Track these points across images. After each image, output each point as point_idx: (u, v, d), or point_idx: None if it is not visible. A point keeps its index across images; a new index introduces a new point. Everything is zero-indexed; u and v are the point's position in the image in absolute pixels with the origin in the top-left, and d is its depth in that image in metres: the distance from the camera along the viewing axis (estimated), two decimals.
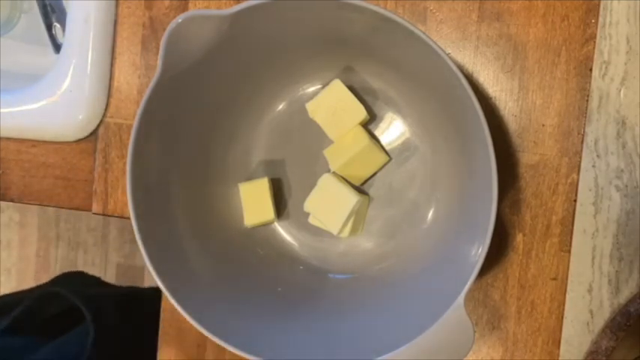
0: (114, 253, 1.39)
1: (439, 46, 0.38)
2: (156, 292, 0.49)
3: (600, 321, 0.47)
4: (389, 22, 0.38)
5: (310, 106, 0.48)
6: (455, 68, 0.38)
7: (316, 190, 0.48)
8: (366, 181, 0.50)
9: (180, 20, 0.39)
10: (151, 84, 0.40)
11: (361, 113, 0.47)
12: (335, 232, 0.47)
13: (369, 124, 0.49)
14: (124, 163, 0.56)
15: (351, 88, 0.47)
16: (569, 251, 0.48)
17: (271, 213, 0.49)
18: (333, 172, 0.48)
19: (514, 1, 0.47)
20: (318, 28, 0.42)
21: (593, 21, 0.46)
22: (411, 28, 0.38)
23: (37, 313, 0.70)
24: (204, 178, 0.49)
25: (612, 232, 0.47)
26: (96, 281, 0.89)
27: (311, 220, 0.49)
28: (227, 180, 0.50)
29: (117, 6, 0.56)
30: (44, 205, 0.59)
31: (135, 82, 0.55)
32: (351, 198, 0.47)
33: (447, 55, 0.38)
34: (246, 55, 0.44)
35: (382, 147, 0.49)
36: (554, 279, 0.48)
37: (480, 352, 0.50)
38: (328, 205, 0.47)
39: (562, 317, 0.48)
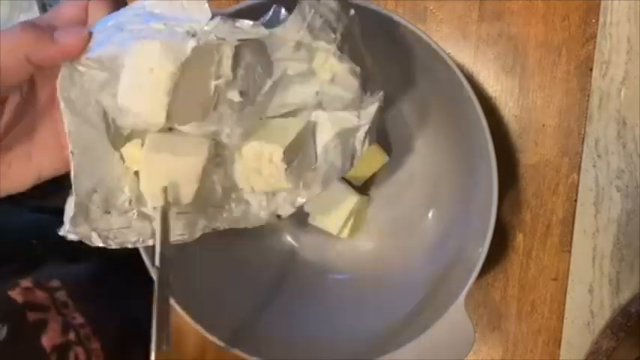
0: None
1: (439, 46, 0.38)
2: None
3: (601, 321, 0.47)
4: (389, 22, 0.38)
5: None
6: (455, 68, 0.38)
7: None
8: (366, 181, 0.50)
9: None
10: None
11: None
12: (335, 232, 0.47)
13: None
14: None
15: None
16: (569, 251, 0.48)
17: None
18: None
19: (514, 0, 0.47)
20: None
21: (593, 21, 0.46)
22: (411, 27, 0.38)
23: None
24: None
25: (613, 232, 0.47)
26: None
27: (311, 220, 0.49)
28: None
29: None
30: None
31: None
32: (351, 198, 0.47)
33: (447, 55, 0.38)
34: None
35: (382, 147, 0.49)
36: (555, 279, 0.48)
37: (481, 353, 0.50)
38: (328, 205, 0.47)
39: (562, 317, 0.48)
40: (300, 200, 0.37)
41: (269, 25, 0.31)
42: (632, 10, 0.46)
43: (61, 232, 0.33)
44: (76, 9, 0.31)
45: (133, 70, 0.29)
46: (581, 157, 0.47)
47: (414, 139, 0.48)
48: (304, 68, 0.34)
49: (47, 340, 0.48)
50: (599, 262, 0.47)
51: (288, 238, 0.51)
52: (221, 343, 0.42)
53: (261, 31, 0.30)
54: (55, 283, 0.54)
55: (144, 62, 0.29)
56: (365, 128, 0.36)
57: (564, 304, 0.48)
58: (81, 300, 0.54)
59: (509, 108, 0.48)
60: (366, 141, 0.36)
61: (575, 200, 0.47)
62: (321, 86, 0.34)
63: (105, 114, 0.31)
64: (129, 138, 0.33)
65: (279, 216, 0.38)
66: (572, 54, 0.47)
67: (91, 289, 0.58)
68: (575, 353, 0.48)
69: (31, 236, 0.58)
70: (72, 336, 0.50)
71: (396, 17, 0.38)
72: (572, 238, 0.47)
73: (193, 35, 0.29)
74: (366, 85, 0.35)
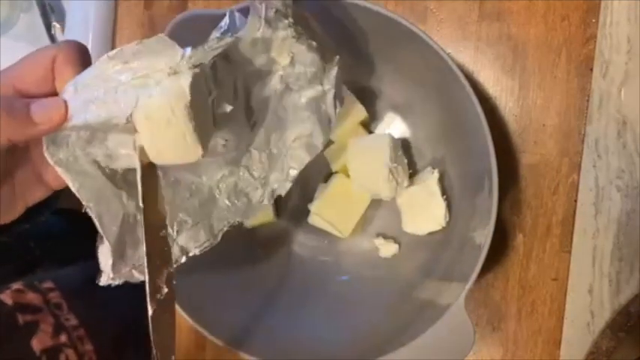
0: None
1: (439, 46, 0.38)
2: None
3: (601, 321, 0.47)
4: (389, 22, 0.38)
5: None
6: (455, 68, 0.38)
7: (328, 191, 0.47)
8: None
9: (179, 20, 0.39)
10: None
11: (361, 113, 0.46)
12: (346, 233, 0.47)
13: (369, 124, 0.49)
14: None
15: (352, 88, 0.46)
16: (569, 251, 0.47)
17: (270, 213, 0.49)
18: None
19: (514, 0, 0.47)
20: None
21: (593, 20, 0.46)
22: (411, 27, 0.38)
23: None
24: None
25: (613, 232, 0.47)
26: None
27: (311, 220, 0.49)
28: None
29: (116, 6, 0.56)
30: None
31: None
32: (366, 199, 0.47)
33: (447, 54, 0.38)
34: None
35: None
36: (555, 279, 0.48)
37: (481, 353, 0.49)
38: (341, 206, 0.47)
39: (562, 318, 0.48)
40: (293, 173, 0.38)
41: (229, 31, 0.32)
42: (632, 10, 0.46)
43: (102, 282, 0.33)
44: (41, 70, 0.30)
45: (151, 133, 0.29)
46: (581, 157, 0.47)
47: (414, 139, 0.48)
48: (264, 60, 0.35)
49: (37, 343, 0.48)
50: (599, 262, 0.47)
51: (288, 239, 0.51)
52: (221, 343, 0.42)
53: (229, 41, 0.32)
54: (48, 284, 0.53)
55: (155, 121, 0.29)
56: (331, 93, 0.37)
57: (564, 304, 0.48)
58: (75, 301, 0.53)
59: (509, 108, 0.48)
60: (337, 104, 0.38)
61: (575, 200, 0.47)
62: (283, 69, 0.36)
63: (96, 162, 0.32)
64: (124, 174, 0.33)
65: (279, 196, 0.39)
66: (572, 54, 0.47)
67: (86, 290, 0.57)
68: (575, 353, 0.48)
69: (29, 238, 0.58)
70: (64, 338, 0.50)
71: (396, 17, 0.38)
72: (572, 239, 0.47)
73: (175, 73, 0.29)
74: (324, 56, 0.36)
